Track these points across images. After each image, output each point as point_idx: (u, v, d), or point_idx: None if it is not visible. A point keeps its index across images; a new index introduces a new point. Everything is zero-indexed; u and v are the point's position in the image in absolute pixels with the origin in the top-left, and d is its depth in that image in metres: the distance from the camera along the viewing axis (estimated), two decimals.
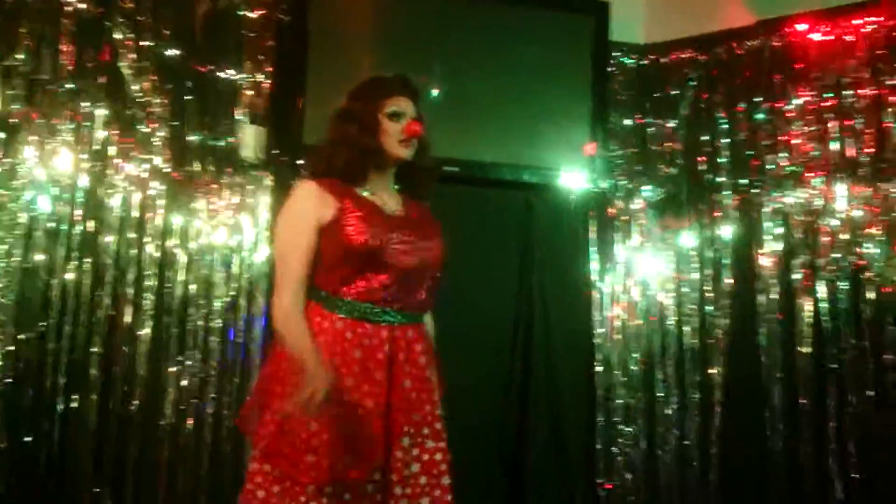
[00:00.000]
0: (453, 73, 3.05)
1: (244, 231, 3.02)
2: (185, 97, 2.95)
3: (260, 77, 3.06)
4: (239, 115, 3.03)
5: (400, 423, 1.96)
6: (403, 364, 1.99)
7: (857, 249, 3.00)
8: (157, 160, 2.89)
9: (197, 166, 2.97)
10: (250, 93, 3.05)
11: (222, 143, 3.01)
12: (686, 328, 3.26)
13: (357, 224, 1.96)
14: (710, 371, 3.20)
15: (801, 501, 2.98)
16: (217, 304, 2.96)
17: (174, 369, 2.88)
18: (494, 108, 3.10)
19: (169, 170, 2.91)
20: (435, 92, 3.04)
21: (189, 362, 2.90)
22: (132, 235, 2.84)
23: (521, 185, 3.16)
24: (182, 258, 2.93)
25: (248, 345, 2.98)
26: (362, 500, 1.91)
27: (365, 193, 2.05)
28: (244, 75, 3.05)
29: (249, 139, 3.00)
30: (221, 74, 3.02)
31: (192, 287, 2.93)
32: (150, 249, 2.87)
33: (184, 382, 2.89)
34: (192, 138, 2.96)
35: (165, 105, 2.90)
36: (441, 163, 2.97)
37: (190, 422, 2.88)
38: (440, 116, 3.01)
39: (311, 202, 1.99)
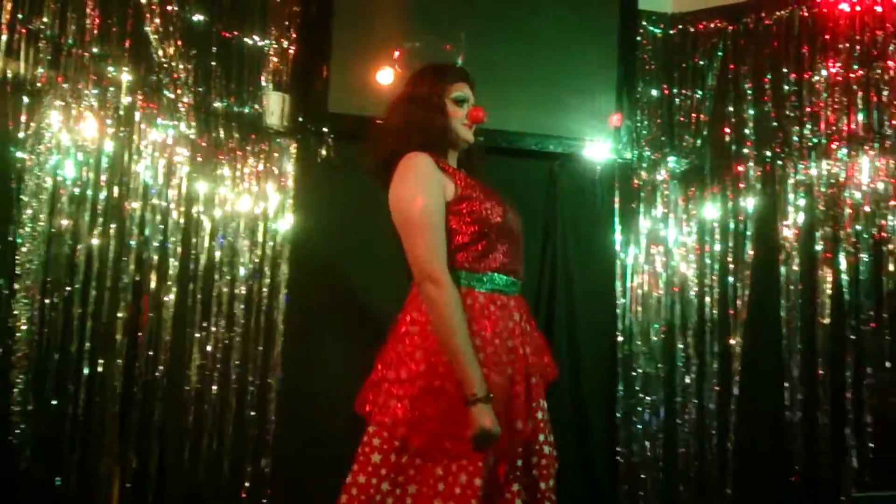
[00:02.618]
0: (480, 41, 3.01)
1: (269, 198, 3.02)
2: (210, 63, 2.92)
3: (285, 44, 3.04)
4: (264, 81, 3.01)
5: (535, 387, 2.02)
6: (524, 330, 2.04)
7: (880, 222, 3.01)
8: (182, 126, 2.87)
9: (222, 133, 2.95)
10: (275, 59, 3.03)
11: (247, 110, 3.00)
12: (707, 299, 3.27)
13: (486, 199, 1.99)
14: (730, 342, 3.22)
15: (817, 471, 3.02)
16: (242, 271, 2.96)
17: (199, 335, 2.89)
18: (520, 77, 3.08)
19: (194, 136, 2.89)
20: (460, 60, 3.01)
21: (214, 328, 2.92)
22: (157, 202, 2.83)
23: (545, 154, 3.15)
24: (207, 225, 2.92)
25: (272, 312, 2.99)
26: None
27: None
28: (269, 42, 3.02)
29: (274, 106, 2.98)
30: (247, 40, 2.99)
31: (217, 254, 2.93)
32: (175, 216, 2.86)
33: (208, 348, 2.91)
34: (217, 105, 2.94)
35: (190, 71, 2.88)
36: None
37: (214, 388, 2.90)
38: None
39: (437, 175, 1.98)
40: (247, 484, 2.88)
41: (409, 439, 1.90)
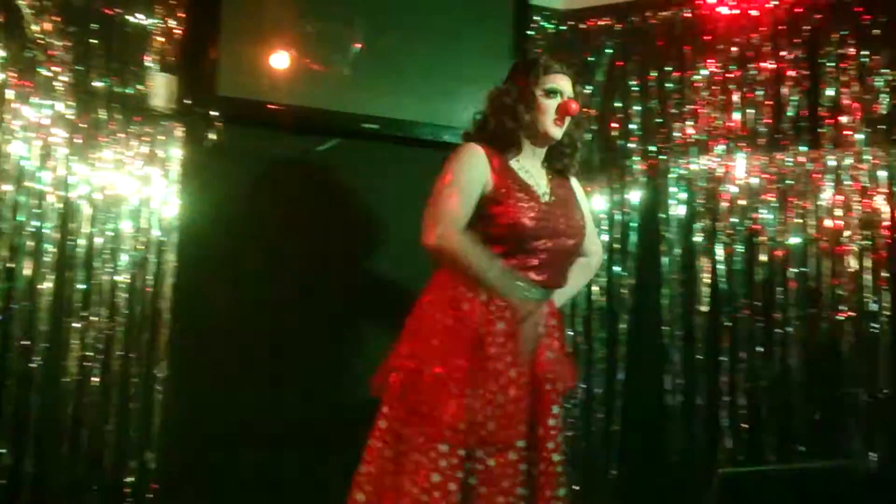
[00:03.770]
0: (376, 29, 3.01)
1: (153, 183, 2.90)
2: (91, 41, 2.78)
3: (172, 23, 2.92)
4: (148, 61, 2.89)
5: (549, 393, 2.07)
6: (544, 337, 2.08)
7: (753, 215, 3.18)
8: (60, 106, 2.72)
9: (103, 114, 2.81)
10: (161, 39, 2.91)
11: (130, 91, 2.86)
12: (595, 287, 3.36)
13: (517, 205, 2.03)
14: (616, 328, 3.34)
15: (694, 450, 3.17)
16: (124, 259, 2.84)
17: (78, 325, 2.76)
18: (416, 67, 3.07)
19: (72, 117, 2.75)
20: (357, 47, 2.99)
21: (94, 318, 2.79)
22: (32, 185, 2.68)
23: (440, 144, 3.15)
24: (87, 210, 2.79)
25: (158, 301, 2.89)
26: (506, 469, 1.98)
27: (516, 167, 2.12)
28: (155, 20, 2.90)
29: (160, 87, 2.87)
30: (130, 18, 2.85)
31: (98, 241, 2.80)
32: (52, 200, 2.72)
33: (88, 339, 2.77)
34: (97, 84, 2.80)
35: (69, 48, 2.73)
36: (360, 119, 3.00)
37: (95, 380, 2.77)
38: (361, 72, 2.99)
39: (483, 164, 2.05)
40: (130, 479, 2.78)
41: (390, 413, 2.06)
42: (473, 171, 2.05)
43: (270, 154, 2.99)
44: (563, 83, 2.16)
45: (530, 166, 2.17)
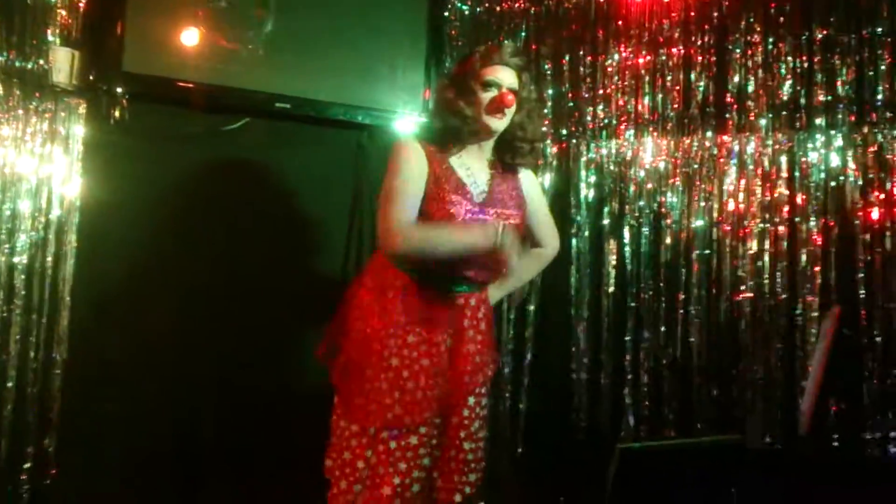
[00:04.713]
0: (289, 7, 2.95)
1: (55, 161, 2.82)
2: None
3: None
4: (50, 36, 2.79)
5: (466, 384, 2.13)
6: (468, 330, 2.13)
7: (660, 198, 3.27)
8: None
9: (1, 89, 2.70)
10: (64, 13, 2.81)
11: (31, 66, 2.76)
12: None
13: (442, 201, 2.02)
14: (526, 308, 3.39)
15: (599, 429, 3.27)
16: (23, 239, 2.77)
17: None
18: (330, 47, 3.03)
19: None
20: (270, 25, 2.94)
21: None
22: None
23: (354, 125, 3.15)
24: None
25: (58, 283, 2.82)
26: (405, 452, 2.05)
27: (456, 164, 2.10)
28: None
29: (62, 63, 2.78)
30: None
31: None
32: None
33: None
34: None
35: None
36: (273, 98, 2.97)
37: None
38: (274, 51, 2.95)
39: (423, 161, 2.05)
40: (27, 465, 2.72)
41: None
42: (415, 168, 2.05)
43: (178, 133, 2.93)
44: (502, 74, 2.10)
45: (472, 162, 2.15)
